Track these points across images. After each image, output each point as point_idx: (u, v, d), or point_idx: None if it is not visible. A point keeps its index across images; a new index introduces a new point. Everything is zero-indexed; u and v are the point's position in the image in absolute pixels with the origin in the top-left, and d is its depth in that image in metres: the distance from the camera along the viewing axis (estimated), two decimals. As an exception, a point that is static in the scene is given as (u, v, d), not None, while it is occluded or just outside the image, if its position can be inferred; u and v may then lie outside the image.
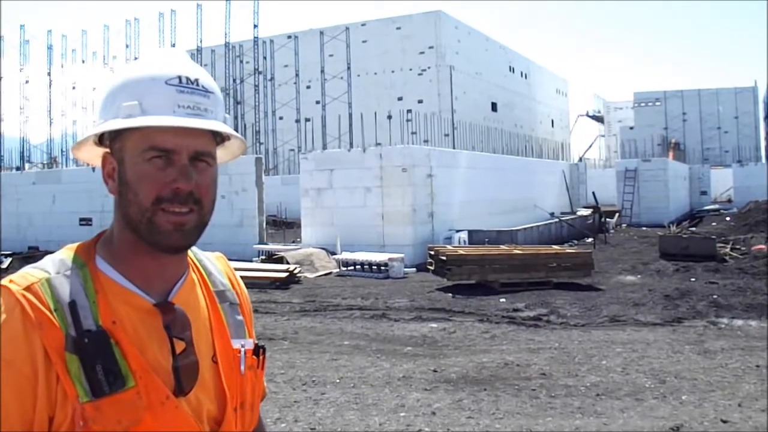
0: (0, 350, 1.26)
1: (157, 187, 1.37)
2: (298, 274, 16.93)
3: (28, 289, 1.32)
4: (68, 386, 1.27)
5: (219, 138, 1.49)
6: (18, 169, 44.57)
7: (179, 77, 1.40)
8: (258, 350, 1.57)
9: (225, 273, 1.65)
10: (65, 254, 1.43)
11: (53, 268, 1.38)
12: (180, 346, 1.39)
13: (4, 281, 1.34)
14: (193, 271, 1.55)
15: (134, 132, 1.38)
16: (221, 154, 1.54)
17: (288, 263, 17.66)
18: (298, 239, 23.00)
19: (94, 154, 1.50)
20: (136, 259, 1.43)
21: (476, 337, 10.22)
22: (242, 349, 1.52)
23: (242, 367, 1.51)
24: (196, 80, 1.42)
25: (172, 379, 1.37)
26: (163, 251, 1.42)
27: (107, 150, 1.45)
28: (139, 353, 1.34)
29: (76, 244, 1.46)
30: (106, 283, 1.39)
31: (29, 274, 1.36)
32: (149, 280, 1.43)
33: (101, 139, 1.45)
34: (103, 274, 1.40)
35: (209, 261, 1.64)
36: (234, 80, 54.99)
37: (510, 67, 74.25)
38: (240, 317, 1.58)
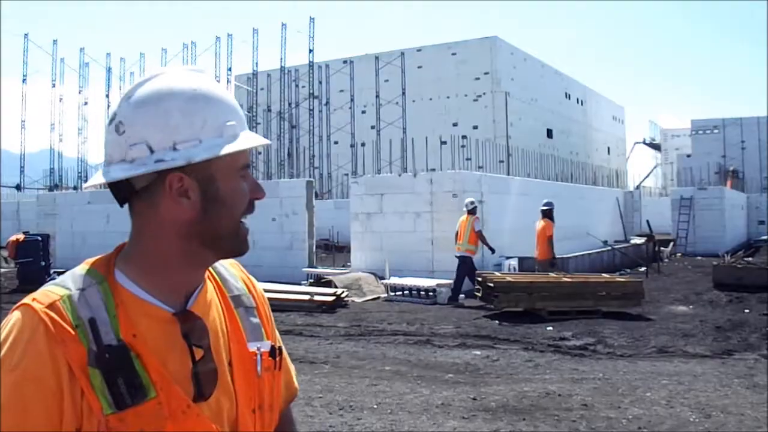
0: (28, 367, 1.30)
1: (246, 200, 1.47)
2: (346, 298, 16.92)
3: (50, 306, 1.35)
4: (92, 399, 1.31)
5: None
6: (75, 188, 45.35)
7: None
8: (274, 351, 1.59)
9: (240, 278, 1.68)
10: (85, 269, 1.45)
11: (74, 284, 1.40)
12: (199, 353, 1.42)
13: (27, 299, 1.37)
14: (209, 279, 1.58)
15: None
16: None
17: (336, 287, 17.67)
18: (348, 263, 23.01)
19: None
20: (172, 272, 1.46)
21: (519, 365, 10.09)
22: (258, 352, 1.55)
23: (258, 369, 1.53)
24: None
25: (193, 386, 1.40)
26: (233, 257, 1.53)
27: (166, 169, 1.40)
28: (159, 364, 1.37)
29: (94, 259, 1.49)
30: (126, 296, 1.42)
31: (51, 291, 1.38)
32: (171, 291, 1.46)
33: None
34: (122, 287, 1.43)
35: (224, 268, 1.66)
36: (289, 104, 55.61)
37: (566, 93, 73.90)
38: (256, 320, 1.61)
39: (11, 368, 1.30)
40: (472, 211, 17.26)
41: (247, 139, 1.43)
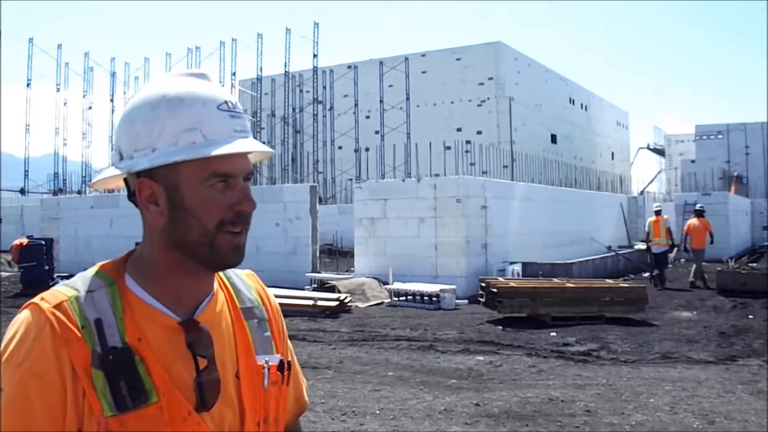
0: (33, 364, 1.32)
1: (221, 210, 1.41)
2: (349, 304, 16.91)
3: (57, 306, 1.37)
4: (94, 401, 1.32)
5: None
6: (79, 192, 45.35)
7: (226, 102, 1.43)
8: (282, 366, 1.58)
9: (255, 290, 1.67)
10: (96, 272, 1.47)
11: (83, 285, 1.42)
12: (203, 363, 1.42)
13: (36, 299, 1.40)
14: (221, 288, 1.58)
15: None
16: None
17: (339, 292, 17.64)
18: (352, 268, 22.99)
19: (113, 178, 1.51)
20: (170, 279, 1.46)
21: (523, 371, 10.06)
22: (266, 365, 1.54)
23: (265, 383, 1.53)
24: (235, 103, 1.45)
25: (195, 395, 1.40)
26: (216, 270, 1.51)
27: (138, 175, 1.44)
28: (163, 370, 1.38)
29: (106, 262, 1.50)
30: (134, 301, 1.43)
31: (60, 291, 1.41)
32: (177, 299, 1.46)
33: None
34: (131, 291, 1.44)
35: (238, 278, 1.66)
36: (293, 109, 55.51)
37: (570, 98, 73.76)
38: (267, 333, 1.61)
39: (17, 365, 1.33)
40: (659, 212, 21.90)
41: (197, 149, 1.38)
